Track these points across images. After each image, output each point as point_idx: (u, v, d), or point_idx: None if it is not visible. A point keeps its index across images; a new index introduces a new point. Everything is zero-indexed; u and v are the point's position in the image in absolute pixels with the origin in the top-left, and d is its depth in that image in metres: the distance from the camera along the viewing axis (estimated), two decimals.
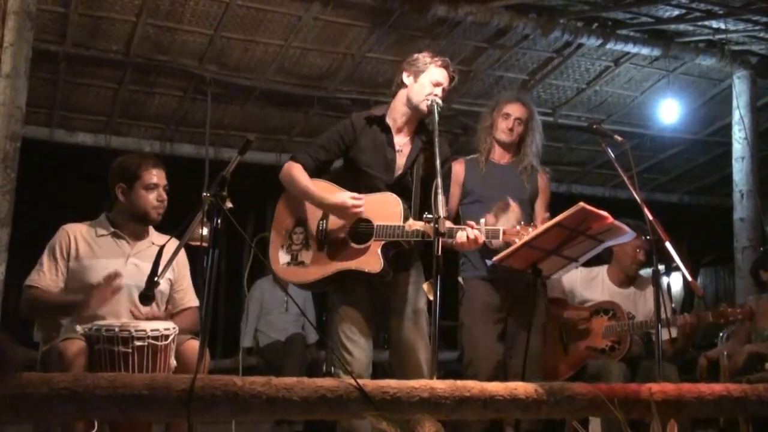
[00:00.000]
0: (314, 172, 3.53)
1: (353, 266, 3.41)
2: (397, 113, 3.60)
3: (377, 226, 3.39)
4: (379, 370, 3.88)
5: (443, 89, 3.54)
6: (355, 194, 3.42)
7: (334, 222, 3.49)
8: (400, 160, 3.57)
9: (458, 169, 4.14)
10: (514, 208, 3.55)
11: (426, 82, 3.51)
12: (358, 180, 3.53)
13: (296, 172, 3.49)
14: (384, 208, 3.42)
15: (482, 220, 3.37)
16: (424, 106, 3.50)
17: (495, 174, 4.14)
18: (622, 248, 4.54)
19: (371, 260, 3.38)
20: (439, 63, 3.55)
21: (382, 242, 3.37)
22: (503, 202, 3.60)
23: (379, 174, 3.53)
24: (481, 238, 3.32)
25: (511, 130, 4.14)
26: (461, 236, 3.30)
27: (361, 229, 3.43)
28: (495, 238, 3.36)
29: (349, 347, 3.46)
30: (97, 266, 3.33)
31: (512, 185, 4.03)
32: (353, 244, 3.43)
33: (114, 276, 3.20)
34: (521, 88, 6.88)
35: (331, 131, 3.63)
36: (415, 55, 3.61)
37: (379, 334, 3.68)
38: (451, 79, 3.59)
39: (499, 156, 4.22)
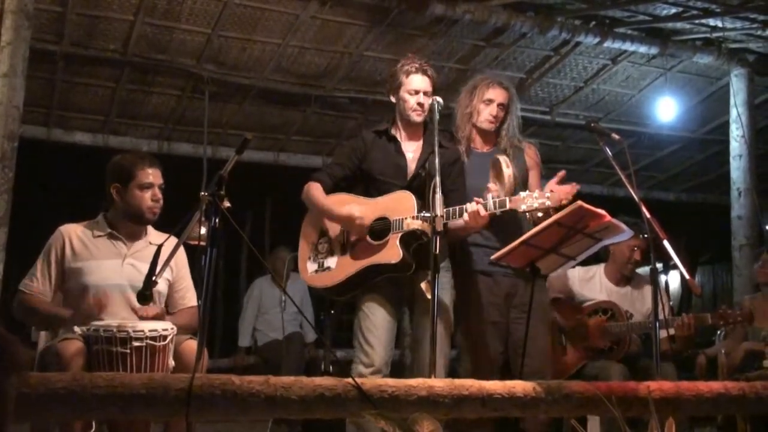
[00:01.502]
0: (333, 188, 3.71)
1: (374, 261, 3.51)
2: (398, 125, 3.76)
3: (394, 220, 3.49)
4: (395, 368, 3.83)
5: (426, 93, 3.61)
6: (361, 206, 3.54)
7: None
8: (412, 165, 3.68)
9: None
10: (501, 162, 3.50)
11: (405, 95, 3.64)
12: (374, 188, 3.68)
13: (314, 190, 3.68)
14: (399, 204, 3.52)
15: (489, 195, 3.41)
16: (414, 117, 3.64)
17: (479, 164, 3.84)
18: (619, 247, 4.54)
19: (390, 252, 3.47)
20: (412, 70, 3.63)
21: (400, 234, 3.45)
22: (492, 167, 3.57)
23: (392, 180, 3.65)
24: (483, 211, 3.34)
25: (495, 117, 3.87)
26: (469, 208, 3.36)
27: (379, 227, 3.54)
28: (502, 207, 3.35)
29: (371, 340, 3.52)
30: (93, 267, 3.33)
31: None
32: (373, 242, 3.53)
33: (102, 303, 3.23)
34: (519, 86, 6.87)
35: (344, 148, 3.88)
36: (392, 71, 3.73)
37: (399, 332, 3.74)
38: (431, 77, 3.64)
39: (481, 144, 3.95)
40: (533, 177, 3.92)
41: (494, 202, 3.35)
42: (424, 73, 3.63)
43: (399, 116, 3.72)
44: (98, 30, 5.78)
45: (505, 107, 3.90)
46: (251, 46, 6.12)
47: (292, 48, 6.18)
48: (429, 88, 3.62)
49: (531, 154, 3.95)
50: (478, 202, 3.36)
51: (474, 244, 3.81)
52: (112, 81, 6.41)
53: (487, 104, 3.88)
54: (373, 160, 3.70)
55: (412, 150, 3.70)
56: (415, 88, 3.61)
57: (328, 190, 3.69)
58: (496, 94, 3.88)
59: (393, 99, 3.72)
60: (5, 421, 1.50)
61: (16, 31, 4.43)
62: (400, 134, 3.73)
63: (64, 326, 3.19)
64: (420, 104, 3.61)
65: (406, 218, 3.41)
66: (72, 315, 3.20)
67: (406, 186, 3.60)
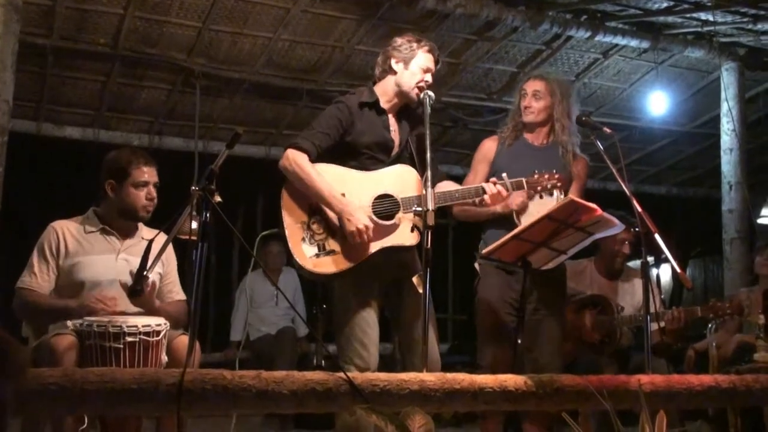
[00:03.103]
0: (314, 160, 3.41)
1: (389, 243, 3.34)
2: (386, 97, 3.58)
3: (402, 199, 3.37)
4: (387, 362, 3.81)
5: (432, 74, 3.54)
6: (369, 223, 3.28)
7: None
8: (395, 140, 3.57)
9: (490, 145, 4.01)
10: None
11: (416, 69, 3.51)
12: (355, 161, 3.47)
13: (305, 164, 3.35)
14: (401, 180, 3.42)
15: (504, 174, 3.44)
16: (413, 94, 3.51)
17: (525, 153, 3.92)
18: (608, 241, 4.54)
19: (407, 233, 3.36)
20: (426, 48, 3.55)
21: (411, 213, 3.35)
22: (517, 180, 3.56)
23: (377, 155, 3.50)
24: (505, 192, 3.40)
25: (527, 107, 3.92)
26: (488, 189, 3.38)
27: (385, 205, 3.37)
28: (520, 188, 3.44)
29: (366, 343, 3.35)
30: (87, 263, 3.32)
31: (542, 167, 3.66)
32: (381, 221, 3.34)
33: (113, 298, 3.21)
34: (510, 80, 6.88)
35: (329, 116, 3.50)
36: (399, 41, 3.56)
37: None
38: (437, 62, 3.60)
39: (533, 137, 3.99)
40: (574, 188, 3.95)
41: (511, 184, 3.44)
42: (436, 58, 3.59)
43: (393, 87, 3.54)
44: (88, 23, 5.75)
45: (541, 95, 3.93)
46: (242, 39, 6.10)
47: (283, 42, 6.17)
48: (434, 72, 3.57)
49: (580, 167, 4.01)
50: (494, 183, 3.41)
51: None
52: (103, 75, 6.38)
53: (523, 97, 3.97)
54: (359, 132, 3.47)
55: (392, 126, 3.57)
56: (429, 66, 3.52)
57: (312, 162, 3.38)
58: (529, 85, 3.98)
59: (396, 66, 3.52)
60: (4, 427, 1.49)
61: (5, 25, 4.40)
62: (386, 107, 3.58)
63: (71, 318, 3.14)
64: (426, 82, 3.49)
65: (400, 208, 3.35)
66: (80, 305, 3.16)
67: (390, 163, 3.50)
